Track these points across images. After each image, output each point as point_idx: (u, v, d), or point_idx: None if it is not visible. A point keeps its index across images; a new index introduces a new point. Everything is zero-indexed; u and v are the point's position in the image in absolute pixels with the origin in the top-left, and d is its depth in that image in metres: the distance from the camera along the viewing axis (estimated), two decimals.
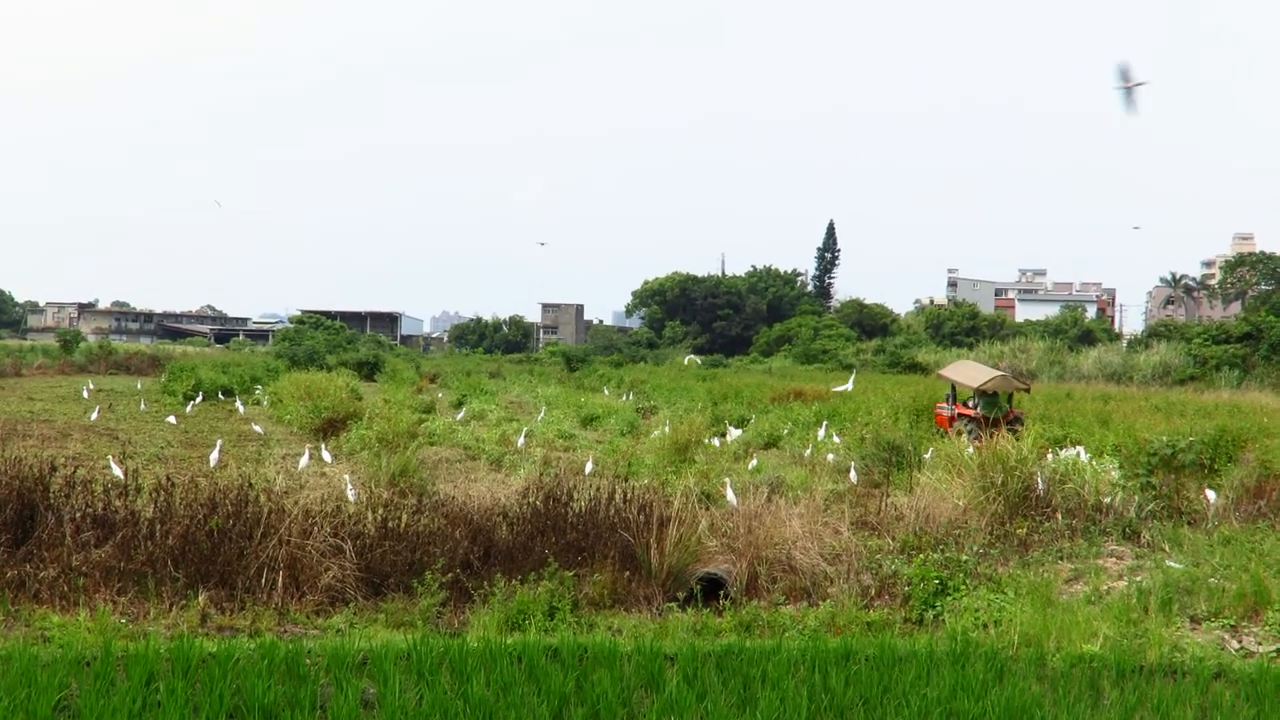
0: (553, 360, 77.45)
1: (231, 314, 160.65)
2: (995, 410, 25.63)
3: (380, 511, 11.97)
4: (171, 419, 27.89)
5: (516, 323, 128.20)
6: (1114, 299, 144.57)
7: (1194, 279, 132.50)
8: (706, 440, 23.15)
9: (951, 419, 26.61)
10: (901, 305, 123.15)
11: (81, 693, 7.15)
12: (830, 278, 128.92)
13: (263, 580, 10.50)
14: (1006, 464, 14.81)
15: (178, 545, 10.54)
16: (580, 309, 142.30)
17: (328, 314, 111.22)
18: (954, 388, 28.09)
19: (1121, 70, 29.90)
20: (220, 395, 36.90)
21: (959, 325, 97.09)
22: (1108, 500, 14.66)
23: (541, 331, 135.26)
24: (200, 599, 10.06)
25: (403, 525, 11.63)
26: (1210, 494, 14.68)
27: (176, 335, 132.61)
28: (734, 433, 25.71)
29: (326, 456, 19.00)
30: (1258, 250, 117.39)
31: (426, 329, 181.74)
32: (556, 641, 8.89)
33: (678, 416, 27.76)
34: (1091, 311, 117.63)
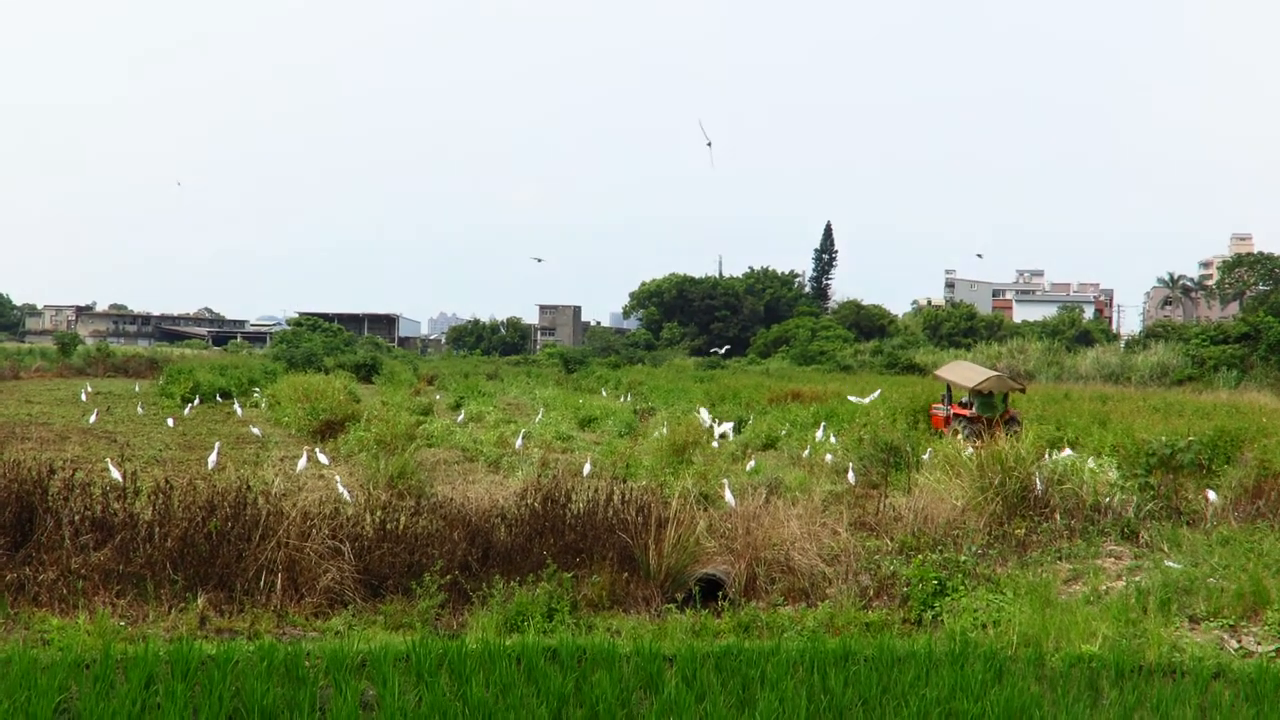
0: (550, 362, 77.52)
1: (229, 316, 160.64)
2: (991, 411, 25.66)
3: (379, 513, 11.97)
4: (170, 421, 27.89)
5: (514, 324, 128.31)
6: (1112, 299, 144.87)
7: (1192, 279, 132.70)
8: (704, 441, 23.14)
9: (947, 419, 26.64)
10: (899, 306, 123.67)
11: (81, 695, 7.15)
12: (828, 279, 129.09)
13: (261, 582, 10.50)
14: (1005, 464, 14.81)
15: (176, 548, 10.53)
16: (578, 310, 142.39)
17: (325, 316, 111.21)
18: (949, 388, 28.12)
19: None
20: (218, 398, 36.88)
21: (956, 326, 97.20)
22: (1106, 500, 14.67)
23: (539, 333, 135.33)
24: (199, 601, 10.06)
25: (401, 527, 11.63)
26: (1211, 494, 14.70)
27: (174, 338, 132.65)
28: (723, 427, 25.33)
29: (322, 459, 18.95)
30: (1255, 250, 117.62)
31: (424, 331, 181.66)
32: (555, 643, 8.89)
33: (675, 418, 27.75)
34: (1089, 312, 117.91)
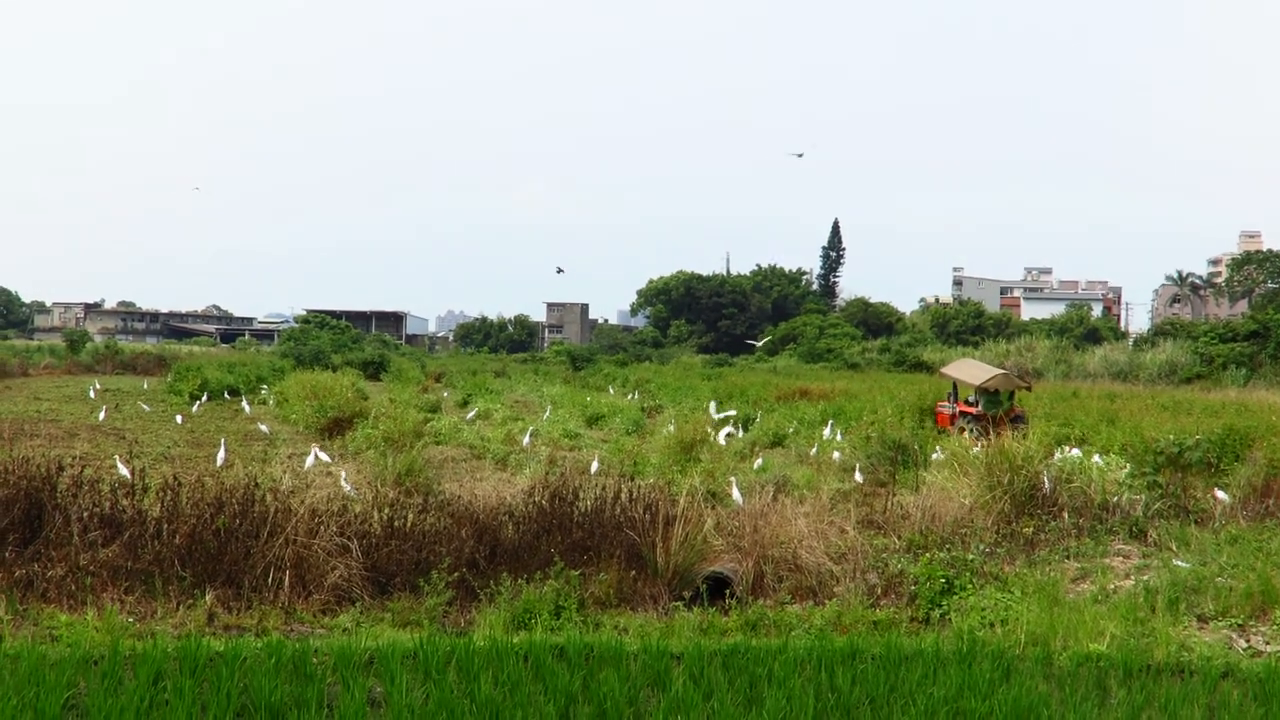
0: (558, 359, 77.48)
1: (237, 314, 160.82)
2: (997, 408, 25.65)
3: (386, 511, 11.97)
4: (178, 419, 27.95)
5: (522, 322, 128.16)
6: (1120, 297, 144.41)
7: (1200, 277, 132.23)
8: (711, 437, 23.14)
9: (953, 417, 26.64)
10: (907, 304, 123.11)
11: (89, 691, 7.17)
12: (835, 276, 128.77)
13: (269, 579, 10.51)
14: (1013, 463, 14.79)
15: (184, 544, 10.56)
16: (585, 308, 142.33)
17: (333, 314, 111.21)
18: (955, 386, 28.12)
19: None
20: (226, 395, 36.97)
21: (964, 324, 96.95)
22: (1115, 499, 14.64)
23: (546, 330, 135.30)
24: (207, 598, 10.08)
25: (409, 524, 11.64)
26: (1220, 493, 14.66)
27: (182, 335, 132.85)
28: (726, 428, 25.15)
29: (323, 457, 18.76)
30: (1265, 248, 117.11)
31: (432, 328, 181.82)
32: (563, 640, 8.89)
33: (683, 415, 27.74)
34: (1097, 310, 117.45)
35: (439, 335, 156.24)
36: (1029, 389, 30.34)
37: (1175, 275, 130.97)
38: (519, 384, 48.85)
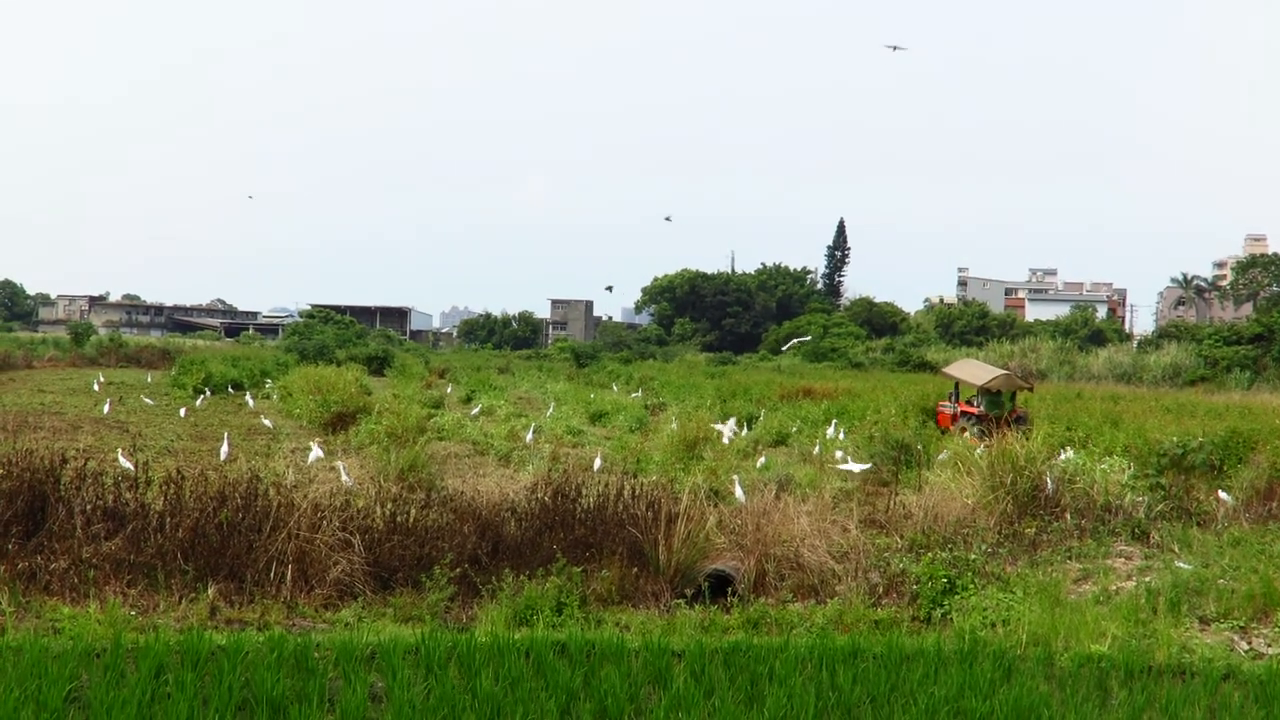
0: (562, 356, 77.47)
1: (241, 308, 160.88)
2: (998, 409, 25.66)
3: (389, 506, 11.99)
4: (182, 412, 27.98)
5: (526, 319, 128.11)
6: (1125, 299, 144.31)
7: (1205, 280, 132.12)
8: (714, 436, 23.13)
9: (954, 417, 26.65)
10: (911, 304, 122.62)
11: (92, 684, 7.19)
12: (840, 276, 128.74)
13: (272, 574, 10.53)
14: (1015, 463, 14.80)
15: (187, 538, 10.58)
16: (590, 305, 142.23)
17: (337, 309, 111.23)
18: (957, 386, 28.13)
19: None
20: (230, 389, 36.99)
21: (969, 324, 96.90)
22: (1117, 501, 14.64)
23: (551, 327, 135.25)
24: (209, 592, 10.10)
25: (411, 520, 11.65)
26: (1224, 495, 14.65)
27: (187, 329, 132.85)
28: (729, 427, 24.98)
29: (319, 452, 18.64)
30: (1270, 252, 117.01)
31: (436, 324, 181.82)
32: (564, 637, 8.90)
33: (686, 414, 27.73)
34: (1102, 312, 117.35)
35: (443, 331, 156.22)
36: (1030, 390, 30.35)
37: (1180, 278, 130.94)
38: (523, 380, 48.85)
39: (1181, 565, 11.68)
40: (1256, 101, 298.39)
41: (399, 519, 11.59)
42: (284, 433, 24.66)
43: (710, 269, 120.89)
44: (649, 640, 8.84)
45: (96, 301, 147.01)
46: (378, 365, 54.47)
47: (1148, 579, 11.45)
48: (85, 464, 12.37)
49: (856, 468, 17.94)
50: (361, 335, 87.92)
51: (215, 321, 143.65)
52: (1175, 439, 16.09)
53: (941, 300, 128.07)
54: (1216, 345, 59.15)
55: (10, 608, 9.55)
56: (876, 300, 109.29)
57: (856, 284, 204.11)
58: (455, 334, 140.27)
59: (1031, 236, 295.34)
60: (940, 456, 18.41)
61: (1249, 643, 9.85)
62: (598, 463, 18.54)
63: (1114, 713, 7.62)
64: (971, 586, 11.03)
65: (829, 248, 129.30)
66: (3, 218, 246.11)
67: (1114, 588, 11.33)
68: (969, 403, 27.15)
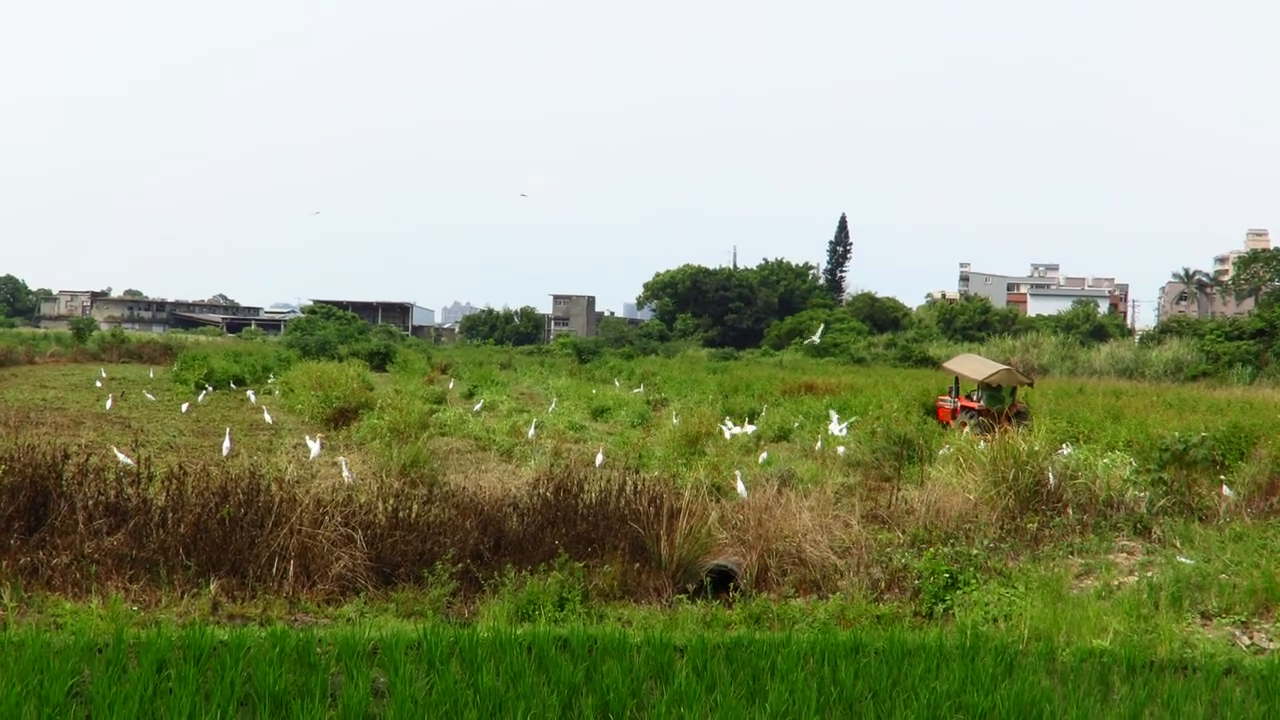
0: (564, 352, 77.46)
1: (244, 304, 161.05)
2: (998, 404, 25.66)
3: (391, 501, 11.98)
4: (184, 408, 27.99)
5: (528, 314, 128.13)
6: (1127, 294, 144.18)
7: (1207, 275, 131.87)
8: (717, 432, 23.13)
9: (954, 412, 26.64)
10: (913, 299, 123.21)
11: (94, 679, 7.19)
12: (842, 271, 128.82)
13: (274, 569, 10.53)
14: (1018, 458, 14.78)
15: (189, 533, 10.58)
16: (591, 301, 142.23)
17: (339, 304, 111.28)
18: (957, 381, 28.12)
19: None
20: (232, 384, 37.03)
21: (971, 320, 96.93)
22: (1119, 496, 14.63)
23: (553, 323, 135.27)
24: (211, 587, 10.10)
25: (413, 515, 11.65)
26: (1227, 490, 14.64)
27: (189, 324, 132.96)
28: (733, 430, 24.95)
29: (315, 448, 18.57)
30: (1272, 246, 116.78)
31: (438, 320, 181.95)
32: (566, 632, 8.91)
33: (688, 409, 27.72)
34: (1104, 307, 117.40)
35: (445, 327, 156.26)
36: (1030, 385, 30.33)
37: (1182, 273, 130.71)
38: (524, 376, 48.86)
39: (1183, 560, 11.67)
40: (1257, 98, 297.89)
41: (401, 514, 11.59)
42: (286, 428, 24.67)
43: (712, 265, 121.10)
44: (651, 635, 8.84)
45: (99, 297, 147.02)
46: (380, 361, 54.48)
47: (1149, 574, 11.45)
48: (87, 459, 12.38)
49: (842, 429, 18.25)
50: (363, 331, 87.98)
51: (217, 317, 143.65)
52: (1177, 434, 16.09)
53: (944, 295, 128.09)
54: (1218, 340, 59.06)
55: (12, 603, 9.56)
56: (878, 296, 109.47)
57: (859, 279, 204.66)
58: (457, 330, 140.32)
59: (1034, 232, 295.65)
60: (942, 452, 18.39)
61: (1251, 638, 9.85)
62: (599, 458, 18.54)
63: (1116, 708, 7.62)
64: (973, 582, 11.03)
65: (831, 243, 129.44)
66: (6, 214, 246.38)
67: (1116, 583, 11.33)
68: (969, 398, 27.15)
